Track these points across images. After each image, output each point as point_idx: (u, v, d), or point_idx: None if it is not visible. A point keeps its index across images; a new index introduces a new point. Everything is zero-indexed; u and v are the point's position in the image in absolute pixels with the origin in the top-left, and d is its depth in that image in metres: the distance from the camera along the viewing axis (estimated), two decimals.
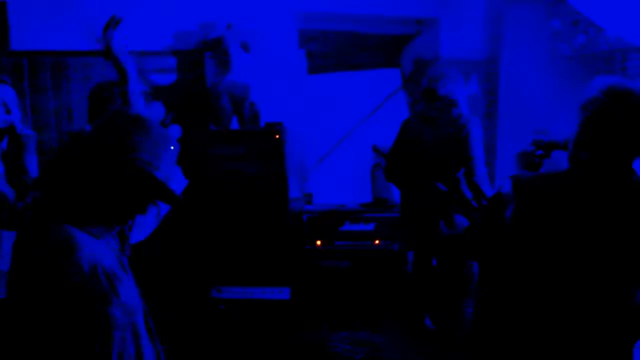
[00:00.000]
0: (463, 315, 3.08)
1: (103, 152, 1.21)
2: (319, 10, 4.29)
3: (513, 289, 1.54)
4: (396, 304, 3.78)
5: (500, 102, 4.48)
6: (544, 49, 4.56)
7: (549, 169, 1.67)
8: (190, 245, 3.58)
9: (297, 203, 4.08)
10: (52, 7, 3.69)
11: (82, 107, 3.32)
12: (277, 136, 3.59)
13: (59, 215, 1.20)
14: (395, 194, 4.29)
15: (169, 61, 3.94)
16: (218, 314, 3.49)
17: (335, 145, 4.80)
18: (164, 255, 2.86)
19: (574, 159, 1.52)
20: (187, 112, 3.84)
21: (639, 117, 1.45)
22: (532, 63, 4.53)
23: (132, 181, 1.22)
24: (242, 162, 3.60)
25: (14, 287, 1.21)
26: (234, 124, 3.92)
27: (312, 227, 3.91)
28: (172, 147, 1.27)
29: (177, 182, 1.60)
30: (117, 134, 1.23)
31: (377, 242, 3.88)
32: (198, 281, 3.50)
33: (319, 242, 3.89)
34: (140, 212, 1.28)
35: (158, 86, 3.94)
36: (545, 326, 1.48)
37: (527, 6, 4.52)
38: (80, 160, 1.21)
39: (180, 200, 1.29)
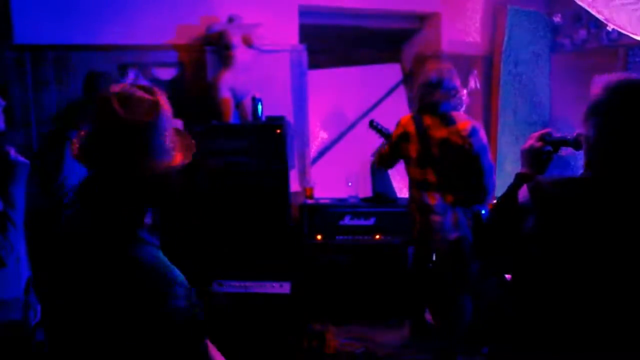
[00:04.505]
0: (462, 310, 3.09)
1: None
2: (320, 5, 4.29)
3: (548, 300, 1.44)
4: (396, 298, 3.79)
5: (500, 97, 4.48)
6: (544, 44, 4.56)
7: (556, 165, 1.63)
8: (190, 238, 3.59)
9: (298, 197, 4.09)
10: (55, 1, 3.69)
11: None
12: (279, 130, 3.60)
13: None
14: (395, 188, 4.30)
15: (170, 55, 3.94)
16: (218, 308, 3.51)
17: (336, 139, 4.81)
18: (164, 248, 2.87)
19: (595, 165, 1.45)
20: (188, 107, 3.85)
21: None
22: (532, 58, 4.53)
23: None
24: (244, 156, 3.62)
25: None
26: (235, 118, 3.93)
27: (312, 222, 3.92)
28: None
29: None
30: None
31: (377, 236, 3.89)
32: (199, 275, 3.51)
33: (319, 237, 3.90)
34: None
35: (159, 80, 3.95)
36: (590, 336, 1.38)
37: (528, 1, 4.51)
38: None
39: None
